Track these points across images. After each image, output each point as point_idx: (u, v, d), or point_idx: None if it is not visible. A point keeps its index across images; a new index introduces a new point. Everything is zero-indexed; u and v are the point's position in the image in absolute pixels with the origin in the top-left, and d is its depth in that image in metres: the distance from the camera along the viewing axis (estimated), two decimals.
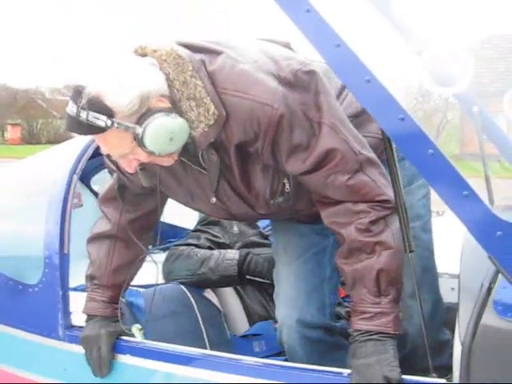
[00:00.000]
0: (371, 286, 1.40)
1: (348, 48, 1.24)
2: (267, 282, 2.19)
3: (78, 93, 1.40)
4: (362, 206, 1.42)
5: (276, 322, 2.21)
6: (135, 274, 1.87)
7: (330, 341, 1.70)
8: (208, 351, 1.80)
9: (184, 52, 1.44)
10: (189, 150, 1.50)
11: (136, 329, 1.79)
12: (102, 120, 1.38)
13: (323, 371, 1.46)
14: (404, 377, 1.39)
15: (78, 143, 2.07)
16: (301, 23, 1.24)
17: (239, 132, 1.43)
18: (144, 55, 1.47)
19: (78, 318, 1.87)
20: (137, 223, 1.78)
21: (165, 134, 1.39)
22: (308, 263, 1.70)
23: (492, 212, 1.23)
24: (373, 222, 1.41)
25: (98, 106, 1.37)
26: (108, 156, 1.61)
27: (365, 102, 1.32)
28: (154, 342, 1.72)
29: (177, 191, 1.66)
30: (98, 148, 1.62)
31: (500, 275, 1.31)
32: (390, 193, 1.44)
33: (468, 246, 1.52)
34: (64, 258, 1.88)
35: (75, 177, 1.97)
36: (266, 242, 2.35)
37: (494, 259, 1.25)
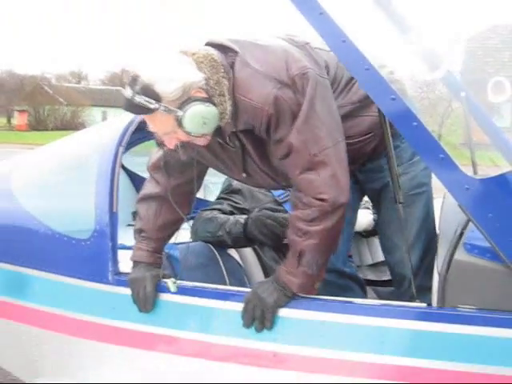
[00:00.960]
0: (295, 256, 1.81)
1: (351, 43, 1.61)
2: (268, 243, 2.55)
3: (134, 79, 1.75)
4: (306, 199, 1.76)
5: None
6: (176, 231, 2.23)
7: (340, 283, 2.05)
8: (236, 287, 2.15)
9: (217, 55, 1.80)
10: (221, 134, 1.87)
11: (171, 282, 2.08)
12: (151, 103, 1.73)
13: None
14: (392, 302, 1.76)
15: (121, 121, 2.43)
16: (314, 24, 1.61)
17: (243, 123, 1.80)
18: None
19: (124, 266, 2.24)
20: (181, 188, 2.12)
21: (199, 118, 1.75)
22: None
23: (461, 170, 1.59)
24: (310, 216, 1.76)
25: (149, 92, 1.72)
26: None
27: (365, 86, 1.68)
28: (191, 282, 2.09)
29: (215, 163, 2.04)
30: (140, 123, 1.99)
31: (470, 223, 1.67)
32: (335, 194, 1.75)
33: (446, 203, 1.89)
34: (113, 215, 2.24)
35: (121, 148, 2.33)
36: (280, 207, 2.70)
37: (463, 207, 1.61)
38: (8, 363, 2.72)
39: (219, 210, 2.65)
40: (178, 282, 2.08)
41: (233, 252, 2.62)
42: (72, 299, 2.35)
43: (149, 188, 2.20)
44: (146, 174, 2.33)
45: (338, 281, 2.05)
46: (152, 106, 1.73)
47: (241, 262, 2.62)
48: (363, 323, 1.75)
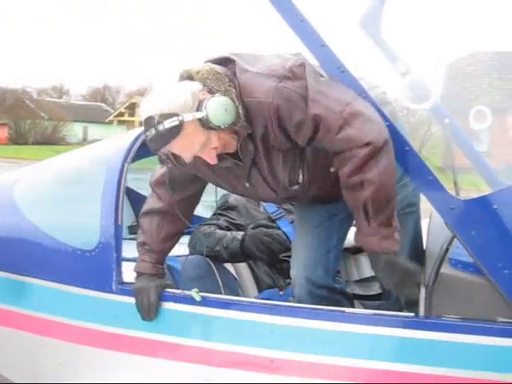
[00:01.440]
0: (362, 212, 1.84)
1: (330, 49, 1.86)
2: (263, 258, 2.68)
3: (148, 120, 1.83)
4: (352, 153, 1.80)
5: (280, 289, 2.73)
6: (175, 243, 2.36)
7: (331, 298, 2.17)
8: (235, 297, 2.28)
9: (220, 68, 1.92)
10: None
11: (194, 292, 2.17)
12: (174, 121, 1.80)
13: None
14: (383, 312, 1.91)
15: (127, 137, 2.57)
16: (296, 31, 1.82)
17: (259, 125, 1.89)
18: (190, 77, 1.91)
19: (128, 276, 2.36)
20: (183, 202, 2.25)
21: (220, 106, 1.81)
22: (319, 235, 2.19)
23: (447, 191, 1.76)
24: (361, 164, 1.79)
25: (166, 116, 1.81)
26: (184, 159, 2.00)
27: None
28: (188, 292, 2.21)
29: (215, 179, 2.17)
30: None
31: (455, 239, 1.83)
32: (376, 134, 1.79)
33: (432, 222, 2.05)
34: (118, 227, 2.37)
35: (126, 164, 2.46)
36: (273, 224, 2.85)
37: (448, 225, 1.77)
38: (9, 371, 2.81)
39: (216, 225, 2.79)
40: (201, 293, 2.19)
41: (228, 266, 2.76)
42: (75, 307, 2.46)
43: (151, 203, 2.32)
44: (142, 190, 2.45)
45: (329, 296, 2.17)
46: (177, 122, 1.80)
47: (236, 276, 2.76)
48: (356, 331, 1.89)
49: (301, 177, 2.03)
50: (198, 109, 1.83)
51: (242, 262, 2.76)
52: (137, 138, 2.51)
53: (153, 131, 1.83)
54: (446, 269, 1.83)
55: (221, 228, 2.78)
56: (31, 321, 2.59)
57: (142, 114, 1.87)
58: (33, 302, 2.58)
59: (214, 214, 2.88)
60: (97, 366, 2.40)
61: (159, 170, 2.30)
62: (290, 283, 2.74)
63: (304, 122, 1.84)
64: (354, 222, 1.95)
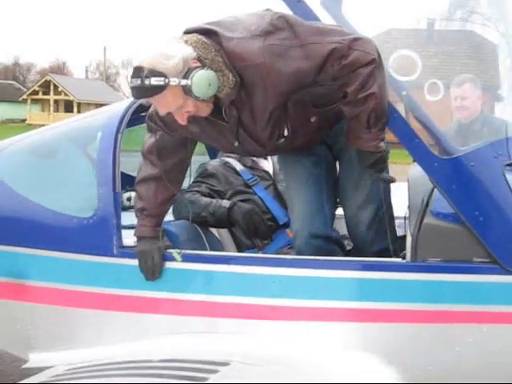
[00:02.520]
0: (364, 122, 2.05)
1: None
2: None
3: (137, 69, 1.99)
4: (358, 71, 2.00)
5: (259, 249, 2.95)
6: (170, 206, 2.53)
7: (327, 248, 2.39)
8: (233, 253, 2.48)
9: (206, 39, 2.06)
10: (215, 109, 2.12)
11: (176, 253, 2.37)
12: (160, 81, 1.97)
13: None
14: (375, 259, 2.17)
15: (118, 107, 2.68)
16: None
17: (256, 87, 2.05)
18: None
19: (128, 241, 2.50)
20: (175, 167, 2.42)
21: (205, 80, 1.99)
22: (311, 188, 2.41)
23: (431, 151, 2.03)
24: (366, 81, 2.00)
25: (155, 73, 1.97)
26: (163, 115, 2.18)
27: None
28: (193, 251, 2.39)
29: (205, 138, 2.36)
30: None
31: (434, 191, 2.12)
32: (375, 52, 2.00)
33: (413, 178, 2.32)
34: (116, 195, 2.50)
35: (120, 135, 2.58)
36: (249, 190, 3.05)
37: (432, 180, 2.05)
38: (5, 343, 2.88)
39: (198, 191, 2.96)
40: (182, 251, 2.38)
41: (212, 229, 2.94)
42: (74, 273, 2.56)
43: (146, 170, 2.45)
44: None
45: (325, 246, 2.40)
46: (162, 83, 1.97)
47: (219, 238, 2.95)
48: (352, 276, 2.15)
49: (286, 131, 2.22)
50: (185, 76, 2.00)
51: (224, 228, 2.95)
52: (128, 108, 2.64)
53: (138, 81, 1.99)
54: (428, 219, 2.11)
55: (203, 195, 2.95)
56: (28, 290, 2.67)
57: (137, 60, 2.05)
58: (30, 271, 2.66)
59: (194, 182, 3.04)
60: (100, 327, 2.53)
61: (149, 139, 2.44)
62: (266, 243, 2.98)
63: (301, 67, 2.00)
64: (349, 132, 2.16)
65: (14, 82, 52.60)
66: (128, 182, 2.98)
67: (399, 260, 2.16)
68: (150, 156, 2.43)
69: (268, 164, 3.24)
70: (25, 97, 45.12)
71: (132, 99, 2.75)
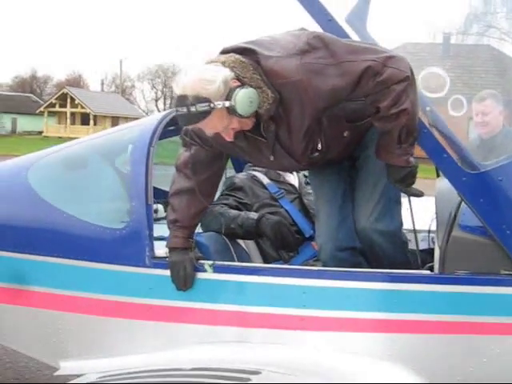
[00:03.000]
0: (396, 137, 2.12)
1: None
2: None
3: (182, 98, 2.06)
4: (392, 88, 2.06)
5: (285, 262, 3.00)
6: (201, 218, 2.60)
7: (353, 261, 2.47)
8: (262, 264, 2.54)
9: (243, 58, 2.14)
10: (255, 125, 2.20)
11: (207, 265, 2.44)
12: (205, 106, 2.06)
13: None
14: (405, 271, 2.22)
15: (149, 121, 2.76)
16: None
17: (294, 103, 2.12)
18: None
19: (161, 251, 2.56)
20: (208, 180, 2.49)
21: (247, 99, 2.06)
22: (335, 204, 2.50)
23: (459, 166, 2.08)
24: (399, 97, 2.06)
25: (199, 99, 2.05)
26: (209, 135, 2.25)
27: None
28: (226, 262, 2.46)
29: (241, 154, 2.42)
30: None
31: (461, 205, 2.17)
32: (409, 70, 2.07)
33: (440, 192, 2.37)
34: (149, 207, 2.57)
35: (152, 149, 2.66)
36: (275, 203, 3.12)
37: (460, 194, 2.10)
38: (32, 351, 2.95)
39: (226, 204, 3.03)
40: (214, 263, 2.44)
41: (240, 241, 3.00)
42: (108, 283, 2.63)
43: (180, 183, 2.52)
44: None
45: (350, 258, 2.46)
46: (208, 108, 2.05)
47: (247, 250, 3.01)
48: (381, 288, 2.20)
49: (319, 145, 2.31)
50: (228, 97, 2.07)
51: (253, 239, 3.01)
52: (160, 121, 2.72)
53: (184, 109, 2.06)
54: (456, 232, 2.16)
55: (231, 207, 3.02)
56: (59, 299, 2.74)
57: (177, 88, 2.09)
58: (61, 281, 2.73)
59: (222, 195, 3.11)
60: (131, 337, 2.59)
61: (184, 153, 2.51)
62: (292, 256, 3.04)
63: (337, 84, 2.08)
64: (380, 147, 2.21)
65: (31, 95, 53.33)
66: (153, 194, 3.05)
67: (427, 272, 2.21)
68: (185, 169, 2.50)
69: (294, 177, 3.30)
70: (42, 109, 45.70)
71: (163, 113, 2.85)
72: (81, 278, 2.70)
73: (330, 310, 2.25)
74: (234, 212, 2.95)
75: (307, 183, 3.27)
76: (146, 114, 60.84)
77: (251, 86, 2.09)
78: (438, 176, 2.80)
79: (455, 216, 2.19)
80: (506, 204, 2.09)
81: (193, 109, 2.05)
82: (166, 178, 2.81)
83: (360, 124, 2.33)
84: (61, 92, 46.49)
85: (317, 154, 2.33)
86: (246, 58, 2.13)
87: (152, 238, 2.56)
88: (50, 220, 2.81)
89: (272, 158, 2.33)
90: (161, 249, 2.59)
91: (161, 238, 2.75)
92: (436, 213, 2.32)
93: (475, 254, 2.13)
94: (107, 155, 3.06)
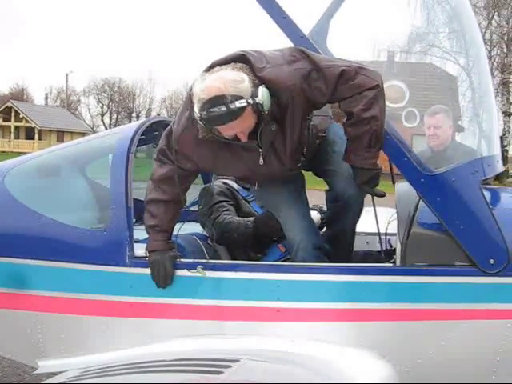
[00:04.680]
0: (366, 142, 2.34)
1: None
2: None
3: (218, 97, 2.19)
4: (364, 93, 2.30)
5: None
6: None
7: (322, 257, 2.67)
8: (241, 261, 2.72)
9: (245, 64, 2.31)
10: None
11: (199, 268, 2.56)
12: (243, 103, 2.20)
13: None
14: (365, 264, 2.44)
15: (127, 129, 2.92)
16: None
17: (288, 106, 2.32)
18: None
19: (139, 251, 2.70)
20: (183, 192, 2.66)
21: (267, 95, 2.25)
22: (303, 204, 2.75)
23: (418, 168, 2.32)
24: (371, 103, 2.29)
25: (237, 97, 2.19)
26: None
27: None
28: (203, 260, 2.62)
29: (220, 166, 2.56)
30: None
31: (419, 204, 2.41)
32: (380, 79, 2.32)
33: (400, 194, 2.61)
34: (129, 210, 2.71)
35: (131, 155, 2.80)
36: (249, 205, 3.35)
37: (419, 194, 2.34)
38: (12, 352, 3.02)
39: (228, 210, 3.20)
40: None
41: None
42: (88, 283, 2.74)
43: (156, 194, 2.63)
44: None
45: (321, 255, 2.67)
46: (245, 104, 2.21)
47: (218, 251, 3.18)
48: (348, 280, 2.41)
49: (305, 149, 2.54)
50: (253, 95, 2.23)
51: (252, 246, 3.15)
52: (137, 130, 2.88)
53: (223, 108, 2.19)
54: (415, 228, 2.40)
55: (231, 210, 3.22)
56: (39, 300, 2.83)
57: (208, 92, 2.21)
58: (41, 282, 2.82)
59: (216, 203, 3.23)
60: (112, 334, 2.71)
61: (160, 169, 2.62)
62: (260, 257, 3.22)
63: (321, 87, 2.31)
64: (350, 151, 2.43)
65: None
66: None
67: (389, 265, 2.44)
68: (161, 184, 2.62)
69: None
70: None
71: (139, 122, 3.01)
72: (61, 279, 2.79)
73: (303, 302, 2.45)
74: (235, 222, 3.12)
75: None
76: (92, 129, 60.28)
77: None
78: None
79: (414, 214, 2.43)
80: (458, 202, 2.34)
81: (232, 106, 2.19)
82: None
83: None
84: (5, 106, 45.46)
85: (303, 158, 2.55)
86: (247, 65, 2.31)
87: (132, 239, 2.70)
88: (30, 224, 2.90)
89: (261, 161, 2.45)
90: (139, 249, 2.74)
91: (136, 241, 2.88)
92: (396, 212, 2.56)
93: (432, 247, 2.37)
94: (78, 162, 3.19)
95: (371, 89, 2.31)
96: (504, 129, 27.20)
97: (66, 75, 54.60)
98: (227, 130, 2.30)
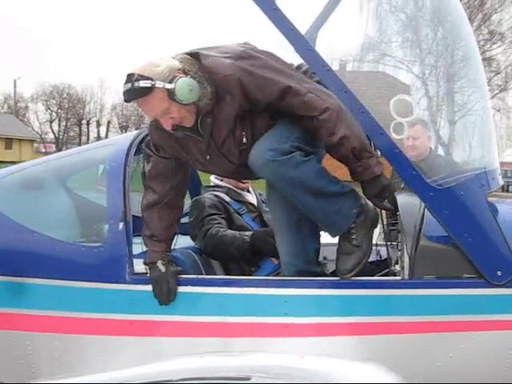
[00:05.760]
0: (352, 159, 2.33)
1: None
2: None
3: (129, 76, 2.30)
4: (320, 118, 2.30)
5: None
6: (176, 231, 2.69)
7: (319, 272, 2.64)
8: (242, 277, 2.68)
9: (191, 57, 2.40)
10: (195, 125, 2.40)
11: None
12: (147, 83, 2.27)
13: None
14: (374, 278, 2.44)
15: (123, 141, 2.84)
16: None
17: (226, 95, 2.33)
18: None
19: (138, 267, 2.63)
20: (174, 190, 2.62)
21: (187, 86, 2.30)
22: (296, 224, 2.55)
23: (427, 182, 2.34)
24: (329, 127, 2.30)
25: (143, 77, 2.29)
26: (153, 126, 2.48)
27: None
28: (206, 276, 2.57)
29: (185, 155, 2.55)
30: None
31: (425, 217, 2.43)
32: (331, 101, 2.32)
33: (403, 206, 2.63)
34: (128, 224, 2.63)
35: (128, 168, 2.73)
36: (240, 218, 3.29)
37: (427, 206, 2.36)
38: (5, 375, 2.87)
39: (220, 223, 3.15)
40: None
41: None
42: (86, 301, 2.64)
43: (147, 197, 2.65)
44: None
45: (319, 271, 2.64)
46: (149, 85, 2.28)
47: (215, 269, 3.14)
48: (357, 294, 2.41)
49: (244, 139, 2.44)
50: (170, 82, 2.30)
51: (247, 260, 3.12)
52: (133, 141, 2.82)
53: (129, 85, 2.31)
54: (423, 241, 2.41)
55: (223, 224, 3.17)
56: (32, 320, 2.71)
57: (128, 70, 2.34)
58: (38, 301, 2.69)
59: (208, 216, 3.17)
60: (111, 353, 2.62)
61: (148, 166, 2.64)
62: (253, 270, 3.19)
63: (267, 90, 2.32)
64: (349, 171, 2.42)
65: None
66: None
67: (398, 278, 2.45)
68: (150, 183, 2.64)
69: (252, 196, 3.47)
70: None
71: (134, 133, 2.94)
72: (58, 297, 2.68)
73: (310, 316, 2.42)
74: (229, 236, 3.07)
75: (263, 201, 3.46)
76: (40, 136, 58.82)
77: (194, 79, 2.33)
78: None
79: (420, 227, 2.45)
80: (466, 215, 2.37)
81: (136, 84, 2.29)
82: None
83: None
84: None
85: (243, 147, 2.43)
86: (193, 58, 2.40)
87: (131, 255, 2.62)
88: (25, 241, 2.77)
89: (208, 157, 2.50)
90: (139, 265, 2.66)
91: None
92: (401, 225, 2.57)
93: (440, 260, 2.39)
94: (61, 174, 3.09)
95: (322, 112, 2.31)
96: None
97: (14, 81, 53.19)
98: (146, 113, 2.43)
